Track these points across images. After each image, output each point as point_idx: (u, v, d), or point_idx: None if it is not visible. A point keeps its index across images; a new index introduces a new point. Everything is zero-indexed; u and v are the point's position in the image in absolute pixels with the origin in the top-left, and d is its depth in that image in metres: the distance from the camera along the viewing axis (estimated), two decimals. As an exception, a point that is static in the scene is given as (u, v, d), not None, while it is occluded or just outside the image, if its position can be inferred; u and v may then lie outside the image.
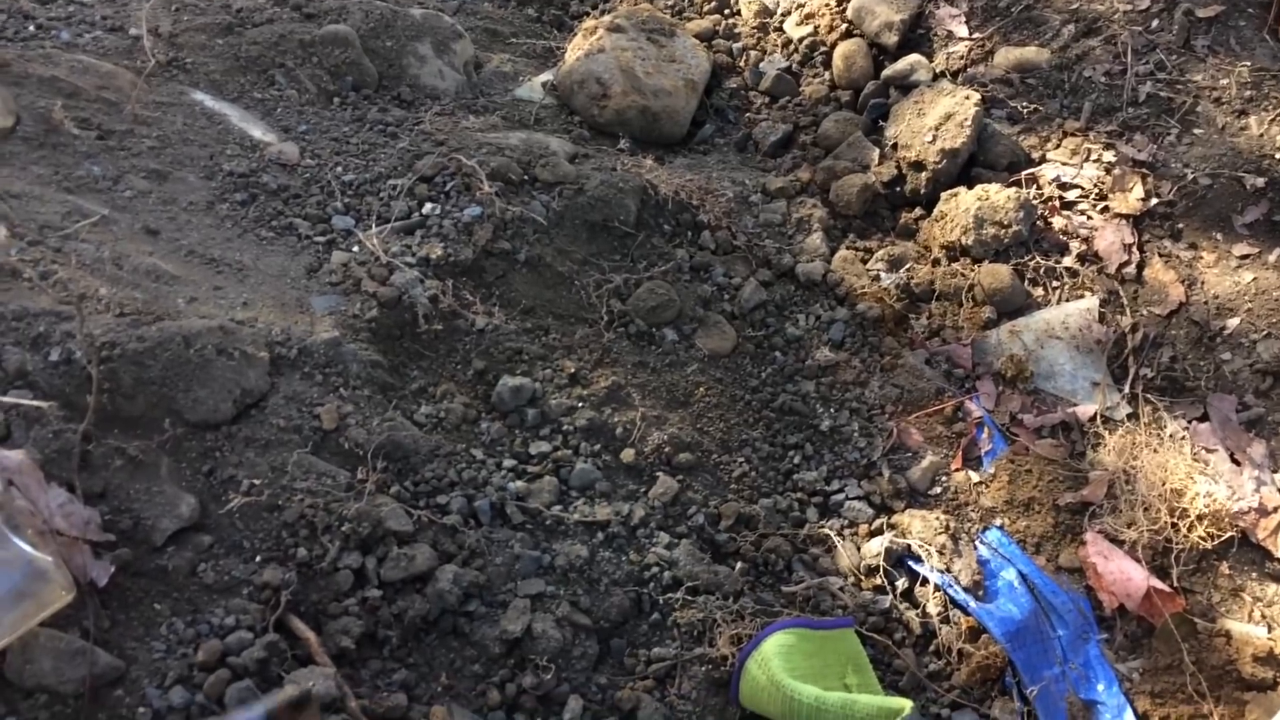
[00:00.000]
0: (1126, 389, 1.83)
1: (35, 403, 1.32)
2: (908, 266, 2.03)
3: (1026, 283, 1.98)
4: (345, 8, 2.16)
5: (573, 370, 1.77)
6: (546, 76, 2.36)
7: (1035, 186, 2.08)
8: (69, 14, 1.98)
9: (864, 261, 2.07)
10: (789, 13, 2.51)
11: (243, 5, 2.11)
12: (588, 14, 2.56)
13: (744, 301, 1.97)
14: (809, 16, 2.47)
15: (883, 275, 2.03)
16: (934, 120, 2.12)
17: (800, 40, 2.44)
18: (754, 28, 2.51)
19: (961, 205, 2.03)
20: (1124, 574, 1.57)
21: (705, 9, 2.55)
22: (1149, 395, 1.80)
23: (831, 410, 1.85)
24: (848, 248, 2.09)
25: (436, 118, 2.09)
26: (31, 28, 1.91)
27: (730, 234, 2.05)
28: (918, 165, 2.12)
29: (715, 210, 2.06)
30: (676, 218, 2.04)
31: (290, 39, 2.07)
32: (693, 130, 2.34)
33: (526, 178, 1.97)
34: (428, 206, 1.88)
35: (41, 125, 1.67)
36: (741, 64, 2.47)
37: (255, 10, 2.11)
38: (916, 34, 2.40)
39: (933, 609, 1.59)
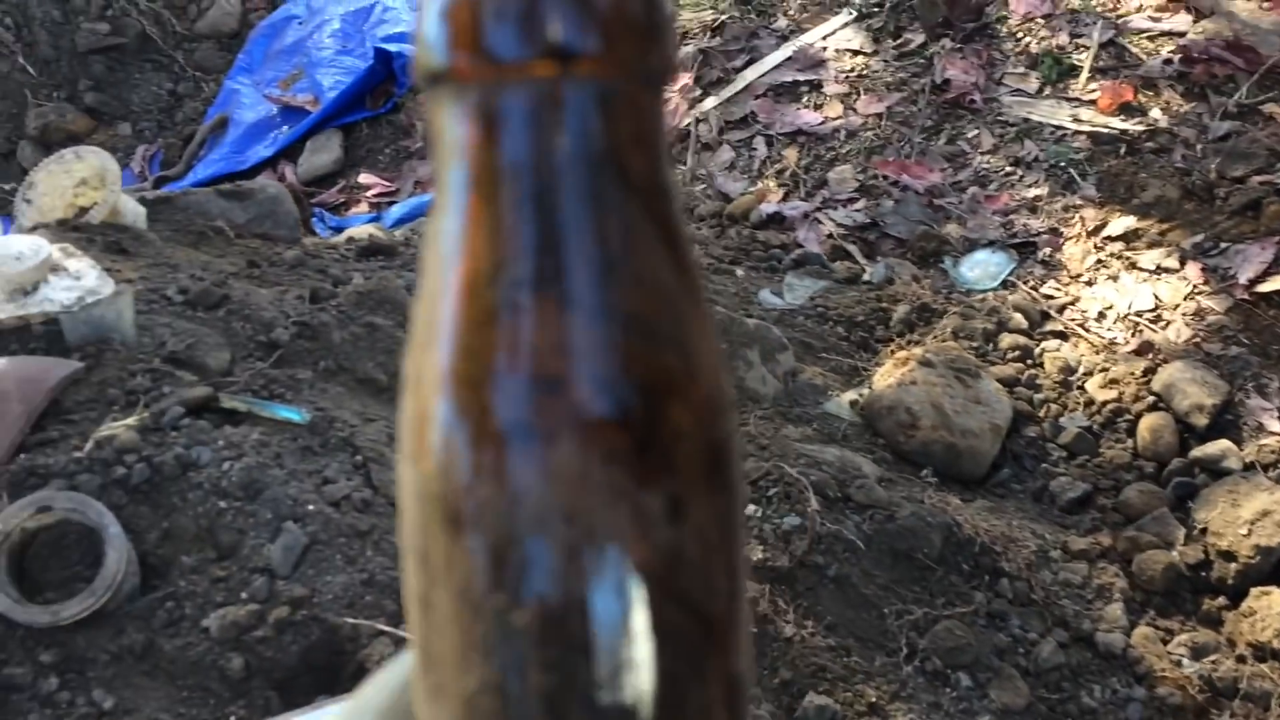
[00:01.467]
0: None
1: None
2: (1212, 658, 2.02)
3: (1343, 700, 1.93)
4: (691, 308, 2.39)
5: (872, 699, 1.82)
6: (852, 395, 2.51)
7: (1353, 599, 2.06)
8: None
9: (1164, 642, 2.07)
10: (1091, 373, 2.62)
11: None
12: (892, 340, 2.74)
13: (1040, 660, 1.99)
14: (1113, 382, 2.57)
15: (1184, 661, 2.02)
16: (1250, 514, 2.15)
17: (1103, 403, 2.54)
18: (1055, 382, 2.63)
19: (1274, 607, 2.03)
20: None
21: (1009, 356, 2.69)
22: None
23: (1127, 795, 1.82)
24: (1148, 624, 2.09)
25: (760, 421, 2.25)
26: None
27: (1029, 587, 2.10)
28: (1228, 555, 2.14)
29: (1017, 560, 2.12)
30: (977, 560, 2.11)
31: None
32: (990, 471, 2.43)
33: (841, 496, 2.09)
34: (750, 508, 2.01)
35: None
36: (1041, 415, 2.57)
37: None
38: (1225, 419, 2.46)
39: None
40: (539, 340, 0.27)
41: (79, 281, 1.64)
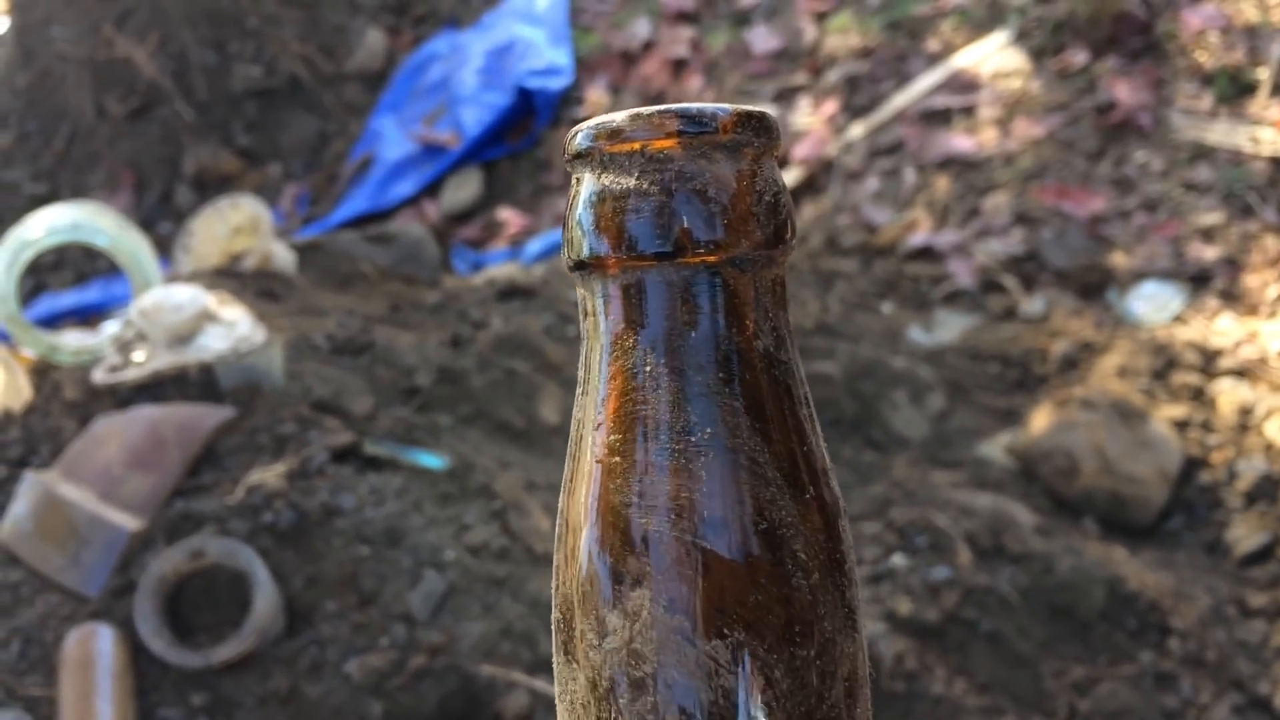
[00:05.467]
0: None
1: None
2: None
3: None
4: (834, 350, 2.40)
5: (1028, 763, 1.78)
6: (1006, 438, 2.47)
7: None
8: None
9: (1356, 710, 1.97)
10: (1271, 415, 2.52)
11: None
12: (1050, 379, 2.68)
13: (1214, 726, 1.92)
14: (1297, 424, 2.46)
15: (1379, 732, 1.92)
16: None
17: (1285, 447, 2.43)
18: (1232, 424, 2.53)
19: None
20: None
21: (1179, 396, 2.61)
22: None
23: None
24: (1336, 690, 2.00)
25: (907, 467, 2.24)
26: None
27: (1201, 646, 2.02)
28: None
29: (1188, 617, 2.05)
30: (1144, 616, 2.04)
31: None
32: (1158, 521, 2.36)
33: (993, 546, 2.06)
34: (896, 558, 2.00)
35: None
36: (1215, 459, 2.48)
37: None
38: None
39: None
40: (663, 495, 0.33)
41: (233, 329, 1.75)
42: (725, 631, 0.32)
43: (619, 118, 0.34)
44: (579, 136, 0.35)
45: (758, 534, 0.33)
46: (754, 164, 0.34)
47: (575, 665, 0.33)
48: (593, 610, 0.33)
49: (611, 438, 0.33)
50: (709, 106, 0.34)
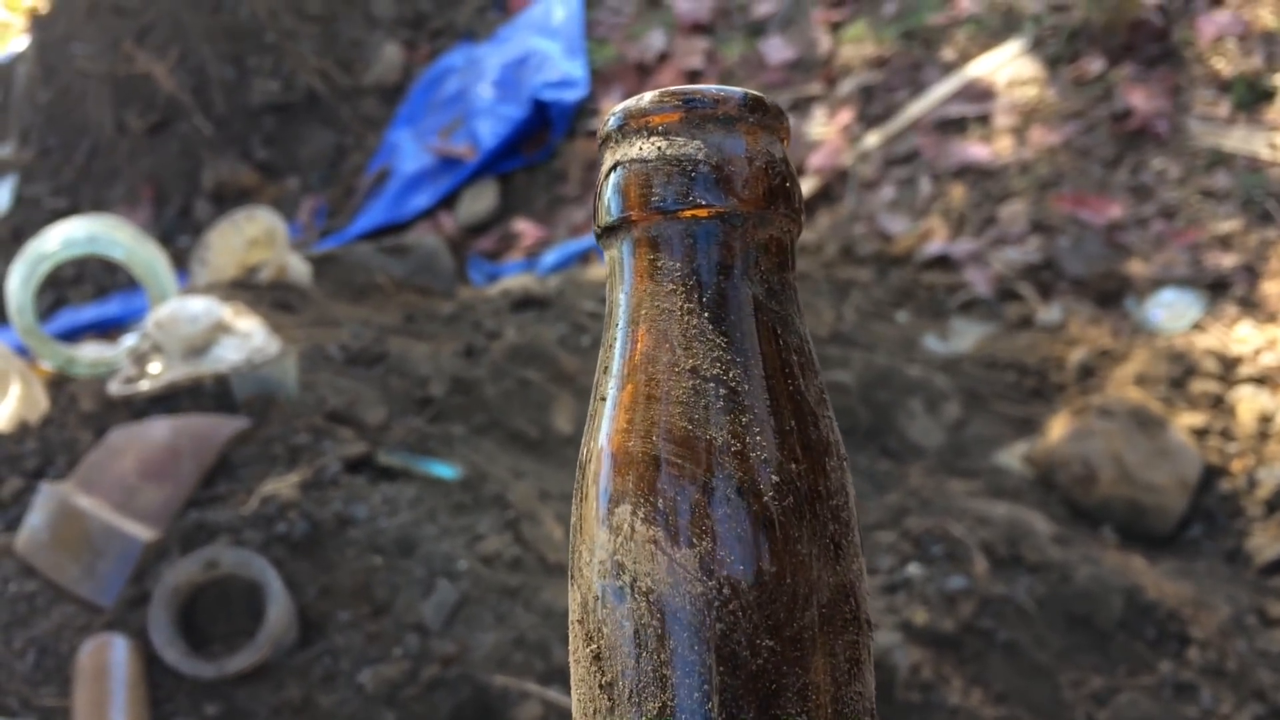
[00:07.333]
0: None
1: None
2: None
3: None
4: (849, 359, 2.39)
5: (1047, 775, 1.77)
6: (1023, 447, 2.46)
7: None
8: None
9: (1380, 721, 1.94)
10: (1292, 422, 2.49)
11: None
12: (1067, 387, 2.67)
13: (1235, 737, 1.89)
14: (1317, 431, 2.44)
15: (1404, 743, 1.90)
16: None
17: (1306, 455, 2.41)
18: (1251, 432, 2.51)
19: None
20: None
21: (1198, 404, 2.59)
22: None
23: None
24: (1360, 701, 1.97)
25: (923, 475, 2.22)
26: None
27: (1221, 656, 2.00)
28: None
29: (1208, 627, 2.03)
30: (1163, 626, 2.02)
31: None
32: (1178, 530, 2.34)
33: (1011, 555, 2.04)
34: (912, 567, 1.98)
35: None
36: (1235, 468, 2.46)
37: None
38: None
39: None
40: (646, 420, 0.36)
41: (248, 341, 1.76)
42: (694, 541, 0.34)
43: (634, 100, 0.39)
44: (609, 120, 0.39)
45: (730, 455, 0.35)
46: (747, 136, 0.38)
47: (575, 588, 0.36)
48: (588, 531, 0.36)
49: (610, 375, 0.37)
50: (712, 88, 0.38)
